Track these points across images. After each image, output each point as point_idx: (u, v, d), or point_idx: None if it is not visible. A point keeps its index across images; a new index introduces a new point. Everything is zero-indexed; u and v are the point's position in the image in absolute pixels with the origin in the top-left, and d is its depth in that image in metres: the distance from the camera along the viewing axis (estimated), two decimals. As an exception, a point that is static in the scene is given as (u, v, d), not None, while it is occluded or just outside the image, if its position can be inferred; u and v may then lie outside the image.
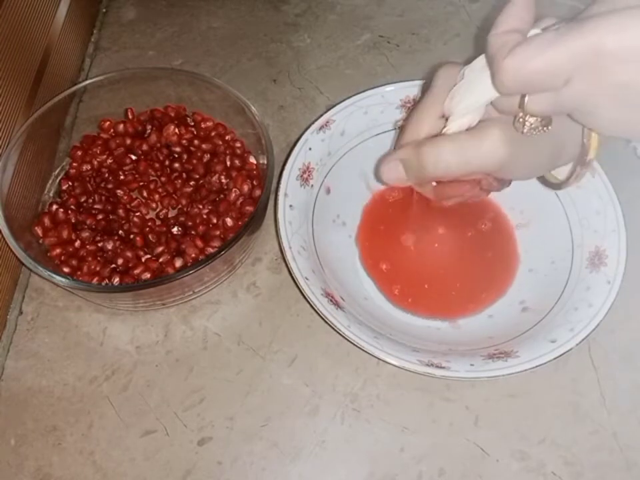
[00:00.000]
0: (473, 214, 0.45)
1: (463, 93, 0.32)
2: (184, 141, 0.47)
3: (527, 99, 0.29)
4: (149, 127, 0.48)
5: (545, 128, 0.31)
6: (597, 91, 0.27)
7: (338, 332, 0.36)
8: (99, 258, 0.42)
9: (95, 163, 0.47)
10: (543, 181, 0.37)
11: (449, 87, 0.34)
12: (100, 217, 0.44)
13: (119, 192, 0.45)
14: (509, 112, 0.31)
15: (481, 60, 0.31)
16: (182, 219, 0.44)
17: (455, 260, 0.44)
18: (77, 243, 0.42)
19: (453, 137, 0.33)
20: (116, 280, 0.41)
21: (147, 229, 0.44)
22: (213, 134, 0.48)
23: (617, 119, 0.28)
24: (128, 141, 0.47)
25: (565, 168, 0.35)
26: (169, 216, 0.45)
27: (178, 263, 0.42)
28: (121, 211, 0.44)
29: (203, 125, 0.48)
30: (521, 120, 0.30)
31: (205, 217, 0.44)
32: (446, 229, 0.44)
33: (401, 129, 0.38)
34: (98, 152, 0.47)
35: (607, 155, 0.41)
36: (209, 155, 0.47)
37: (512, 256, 0.44)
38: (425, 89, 0.36)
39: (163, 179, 0.46)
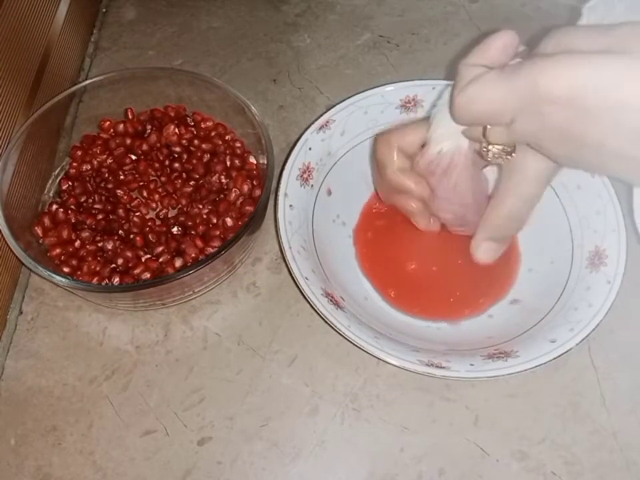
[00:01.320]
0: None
1: (438, 124, 0.34)
2: (184, 141, 0.47)
3: (487, 130, 0.30)
4: (148, 126, 0.48)
5: (507, 156, 0.31)
6: (539, 130, 0.27)
7: (338, 332, 0.36)
8: (98, 258, 0.42)
9: (95, 162, 0.47)
10: None
11: (389, 152, 0.37)
12: (100, 216, 0.44)
13: (119, 192, 0.45)
14: (474, 140, 0.32)
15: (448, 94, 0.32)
16: (182, 218, 0.44)
17: (454, 265, 0.43)
18: (77, 243, 0.42)
19: (506, 201, 0.35)
20: (116, 280, 0.41)
21: (147, 228, 0.44)
22: (212, 134, 0.48)
23: (563, 155, 0.28)
24: (128, 141, 0.47)
25: None
26: (169, 216, 0.45)
27: (178, 262, 0.42)
28: (120, 211, 0.44)
29: (202, 125, 0.48)
30: (485, 149, 0.31)
31: (204, 216, 0.44)
32: (444, 233, 0.43)
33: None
34: (98, 152, 0.47)
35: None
36: (208, 155, 0.47)
37: (513, 258, 0.44)
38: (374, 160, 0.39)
39: (162, 178, 0.46)
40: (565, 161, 0.30)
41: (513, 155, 0.31)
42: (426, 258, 0.43)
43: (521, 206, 0.35)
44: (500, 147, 0.31)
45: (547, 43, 0.28)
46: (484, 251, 0.38)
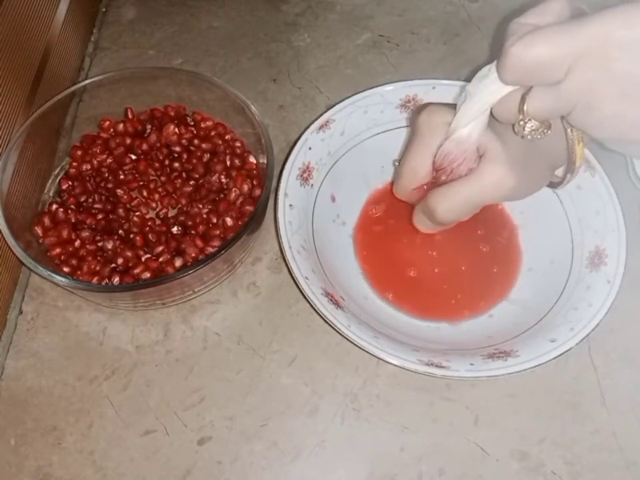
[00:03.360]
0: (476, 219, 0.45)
1: (465, 107, 0.33)
2: (184, 141, 0.47)
3: (526, 102, 0.29)
4: (148, 126, 0.48)
5: (544, 131, 0.31)
6: (599, 79, 0.27)
7: (338, 331, 0.36)
8: (98, 257, 0.42)
9: (95, 162, 0.47)
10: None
11: (435, 125, 0.35)
12: (100, 216, 0.44)
13: (119, 191, 0.45)
14: (507, 118, 0.32)
15: (481, 71, 0.32)
16: (182, 218, 0.44)
17: (454, 267, 0.43)
18: (77, 243, 0.42)
19: (453, 189, 0.35)
20: (116, 279, 0.41)
21: (147, 228, 0.44)
22: (212, 133, 0.48)
23: (614, 113, 0.28)
24: (128, 141, 0.47)
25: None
26: (169, 215, 0.45)
27: (178, 262, 0.42)
28: (120, 211, 0.44)
29: (202, 125, 0.48)
30: (521, 123, 0.31)
31: (204, 216, 0.44)
32: (442, 236, 0.43)
33: (396, 171, 0.41)
34: (98, 151, 0.47)
35: (607, 155, 0.41)
36: (208, 155, 0.47)
37: (513, 259, 0.44)
38: (411, 129, 0.38)
39: (162, 178, 0.46)
40: (613, 124, 0.29)
41: (549, 130, 0.31)
42: (425, 262, 0.43)
43: (463, 205, 0.36)
44: (537, 123, 0.30)
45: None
46: (418, 221, 0.40)
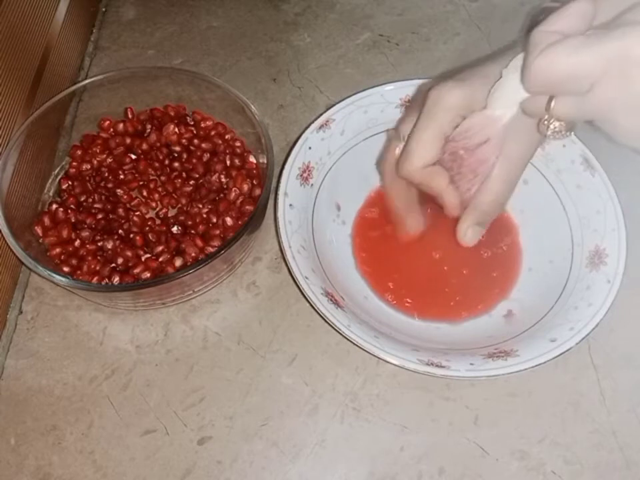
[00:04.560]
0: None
1: (501, 91, 0.33)
2: (184, 140, 0.47)
3: (553, 102, 0.29)
4: (148, 126, 0.48)
5: (567, 133, 0.31)
6: (620, 97, 0.27)
7: (338, 331, 0.36)
8: (98, 257, 0.42)
9: (95, 162, 0.47)
10: None
11: (448, 105, 0.34)
12: (100, 216, 0.44)
13: (119, 191, 0.45)
14: (534, 114, 0.32)
15: (517, 60, 0.32)
16: (182, 218, 0.44)
17: (453, 270, 0.43)
18: (77, 243, 0.42)
19: (494, 182, 0.35)
20: (116, 279, 0.41)
21: (147, 228, 0.44)
22: (212, 133, 0.48)
23: (635, 127, 0.28)
24: (128, 140, 0.47)
25: None
26: (169, 215, 0.45)
27: (178, 262, 0.42)
28: (120, 210, 0.44)
29: (202, 124, 0.48)
30: (545, 122, 0.31)
31: (204, 216, 0.44)
32: (441, 239, 0.43)
33: (392, 147, 0.39)
34: (98, 151, 0.47)
35: (607, 154, 0.41)
36: (208, 154, 0.46)
37: (513, 260, 0.44)
38: (416, 105, 0.37)
39: (162, 178, 0.46)
40: (633, 136, 0.29)
41: (572, 132, 0.31)
42: (425, 265, 0.43)
43: (506, 190, 0.36)
44: (562, 123, 0.31)
45: (635, 12, 0.27)
46: (472, 236, 0.38)
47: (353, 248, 0.44)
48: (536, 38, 0.29)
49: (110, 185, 0.46)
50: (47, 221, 0.43)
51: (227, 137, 0.48)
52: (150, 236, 0.43)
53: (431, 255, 0.43)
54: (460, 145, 0.35)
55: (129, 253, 0.42)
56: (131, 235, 0.43)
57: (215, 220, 0.43)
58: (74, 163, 0.46)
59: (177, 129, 0.47)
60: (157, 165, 0.46)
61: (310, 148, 0.43)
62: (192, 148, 0.47)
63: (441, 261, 0.43)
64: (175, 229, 0.44)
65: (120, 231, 0.43)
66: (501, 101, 0.33)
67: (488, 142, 0.34)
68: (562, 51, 0.27)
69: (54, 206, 0.44)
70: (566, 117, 0.30)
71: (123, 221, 0.44)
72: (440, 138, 0.35)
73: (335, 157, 0.45)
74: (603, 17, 0.28)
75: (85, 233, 0.43)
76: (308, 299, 0.37)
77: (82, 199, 0.45)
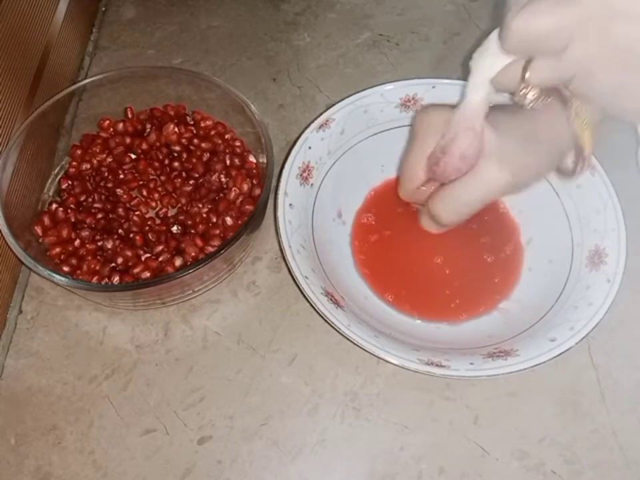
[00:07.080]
0: (480, 226, 0.44)
1: (469, 82, 0.33)
2: (183, 140, 0.47)
3: (528, 70, 0.29)
4: (148, 125, 0.48)
5: (545, 99, 0.31)
6: (598, 53, 0.27)
7: (338, 331, 0.36)
8: (98, 257, 0.42)
9: (95, 161, 0.47)
10: (556, 170, 0.39)
11: (428, 124, 0.36)
12: (99, 215, 0.44)
13: (119, 191, 0.45)
14: (508, 88, 0.32)
15: (481, 46, 0.32)
16: (182, 217, 0.44)
17: (453, 271, 0.43)
18: (77, 242, 0.42)
19: (451, 193, 0.36)
20: (115, 279, 0.41)
21: (147, 227, 0.44)
22: (212, 133, 0.48)
23: (613, 83, 0.28)
24: (127, 140, 0.47)
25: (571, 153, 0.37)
26: (169, 215, 0.45)
27: (178, 262, 0.42)
28: (120, 210, 0.44)
29: (202, 124, 0.48)
30: (522, 92, 0.31)
31: (204, 215, 0.44)
32: (441, 241, 0.43)
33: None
34: (97, 151, 0.47)
35: (607, 154, 0.41)
36: (208, 154, 0.46)
37: (514, 262, 0.44)
38: (412, 130, 0.38)
39: (162, 177, 0.46)
40: (612, 92, 0.29)
41: (550, 98, 0.31)
42: (425, 267, 0.43)
43: (463, 206, 0.36)
44: (537, 91, 0.31)
45: None
46: (426, 224, 0.41)
47: (352, 250, 0.44)
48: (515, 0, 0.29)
49: (110, 185, 0.46)
50: (46, 220, 0.43)
51: (226, 136, 0.48)
52: (150, 236, 0.43)
53: (432, 259, 0.43)
54: (448, 144, 0.35)
55: (128, 253, 0.42)
56: (131, 235, 0.43)
57: (214, 219, 0.43)
58: (74, 163, 0.46)
59: (176, 129, 0.47)
60: (156, 164, 0.46)
61: (310, 147, 0.43)
62: (192, 147, 0.47)
63: (443, 265, 0.43)
64: (174, 229, 0.44)
65: (120, 231, 0.43)
66: (469, 91, 0.33)
67: (473, 129, 0.34)
68: (541, 7, 0.27)
69: (54, 205, 0.44)
70: (542, 82, 0.30)
71: (122, 221, 0.44)
72: (424, 157, 0.37)
73: (334, 157, 0.45)
74: None
75: (85, 233, 0.43)
76: (308, 298, 0.37)
77: (82, 199, 0.45)
